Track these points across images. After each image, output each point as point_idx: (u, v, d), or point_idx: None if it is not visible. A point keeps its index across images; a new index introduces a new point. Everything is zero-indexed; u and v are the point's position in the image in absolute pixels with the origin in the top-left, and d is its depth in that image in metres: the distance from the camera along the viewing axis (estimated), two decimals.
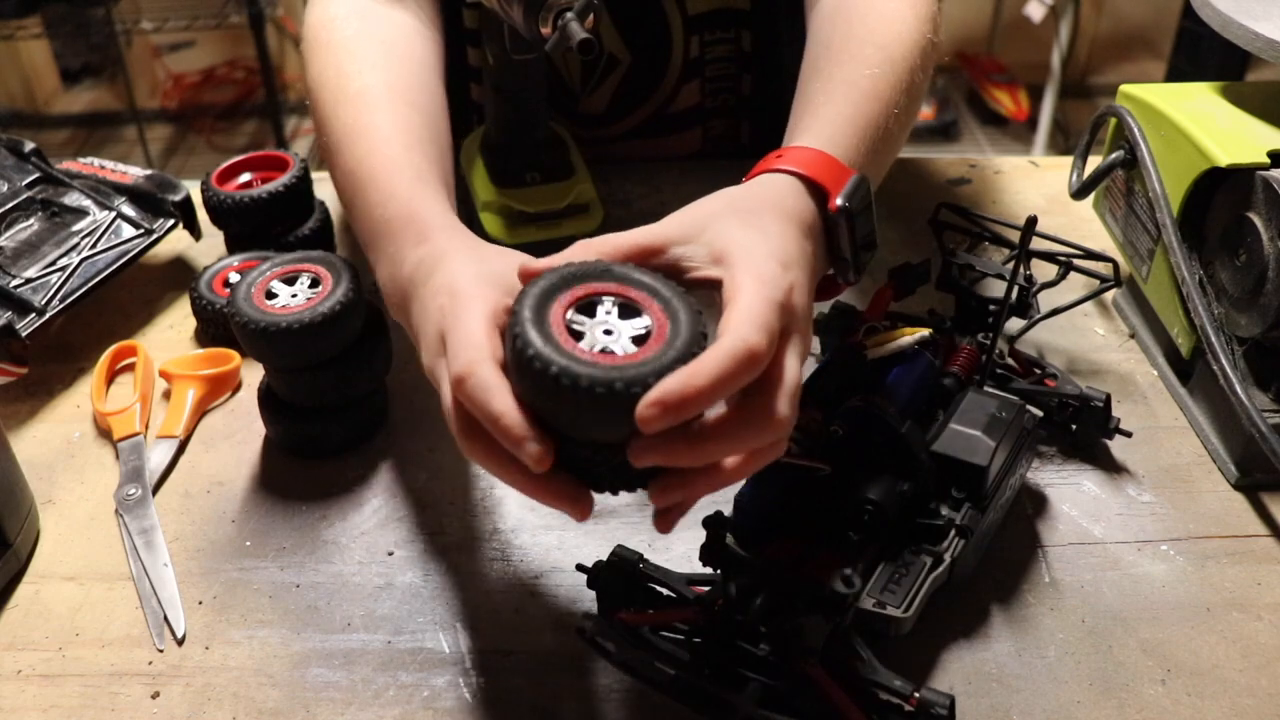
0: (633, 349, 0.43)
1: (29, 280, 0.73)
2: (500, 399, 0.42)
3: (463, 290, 0.47)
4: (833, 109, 0.59)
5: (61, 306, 0.72)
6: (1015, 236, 0.63)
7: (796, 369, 0.45)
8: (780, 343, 0.44)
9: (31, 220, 0.77)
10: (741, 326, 0.42)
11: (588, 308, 0.44)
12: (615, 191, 0.92)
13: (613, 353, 0.43)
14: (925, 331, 0.60)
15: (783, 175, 0.53)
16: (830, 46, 0.65)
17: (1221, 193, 0.65)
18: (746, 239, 0.47)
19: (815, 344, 0.74)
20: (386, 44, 0.68)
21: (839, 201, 0.52)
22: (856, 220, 0.52)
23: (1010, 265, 0.63)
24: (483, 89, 0.93)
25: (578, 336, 0.43)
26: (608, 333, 0.43)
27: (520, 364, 0.42)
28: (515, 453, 0.42)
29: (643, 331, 0.44)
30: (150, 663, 0.55)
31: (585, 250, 0.48)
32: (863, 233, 0.53)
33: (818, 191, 0.53)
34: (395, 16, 0.70)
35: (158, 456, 0.66)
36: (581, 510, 0.44)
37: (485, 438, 0.44)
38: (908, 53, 0.64)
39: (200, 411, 0.70)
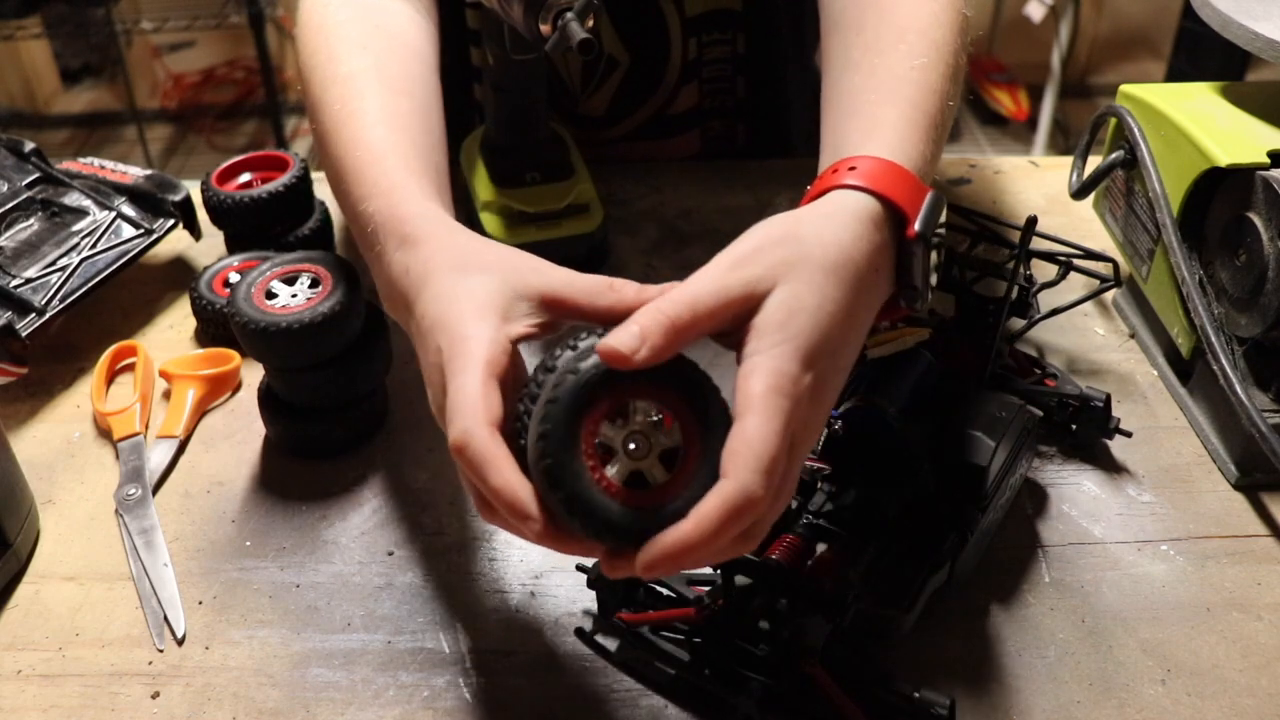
0: (660, 474, 0.41)
1: (29, 280, 0.73)
2: (497, 474, 0.41)
3: (458, 333, 0.44)
4: (893, 110, 0.54)
5: (61, 306, 0.72)
6: (1015, 236, 0.63)
7: (797, 464, 0.43)
8: (787, 471, 0.42)
9: (31, 220, 0.77)
10: (743, 471, 0.40)
11: (620, 412, 0.42)
12: (615, 191, 0.92)
13: (640, 484, 0.41)
14: (925, 331, 0.60)
15: (859, 196, 0.48)
16: (863, 33, 0.59)
17: (1221, 193, 0.65)
18: (786, 319, 0.43)
19: None
20: (379, 29, 0.66)
21: (918, 228, 0.47)
22: (929, 243, 0.48)
23: (1010, 265, 0.63)
24: (483, 89, 0.93)
25: (606, 454, 0.41)
26: (635, 446, 0.41)
27: (546, 483, 0.40)
28: (515, 524, 0.42)
29: (673, 445, 0.42)
30: (150, 663, 0.55)
31: (653, 320, 0.42)
32: (932, 250, 0.49)
33: (894, 213, 0.48)
34: (390, 4, 0.69)
35: (158, 456, 0.66)
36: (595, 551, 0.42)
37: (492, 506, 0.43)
38: (949, 35, 0.58)
39: (200, 411, 0.70)
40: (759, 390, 0.41)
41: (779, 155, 0.99)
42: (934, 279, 0.50)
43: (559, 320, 0.47)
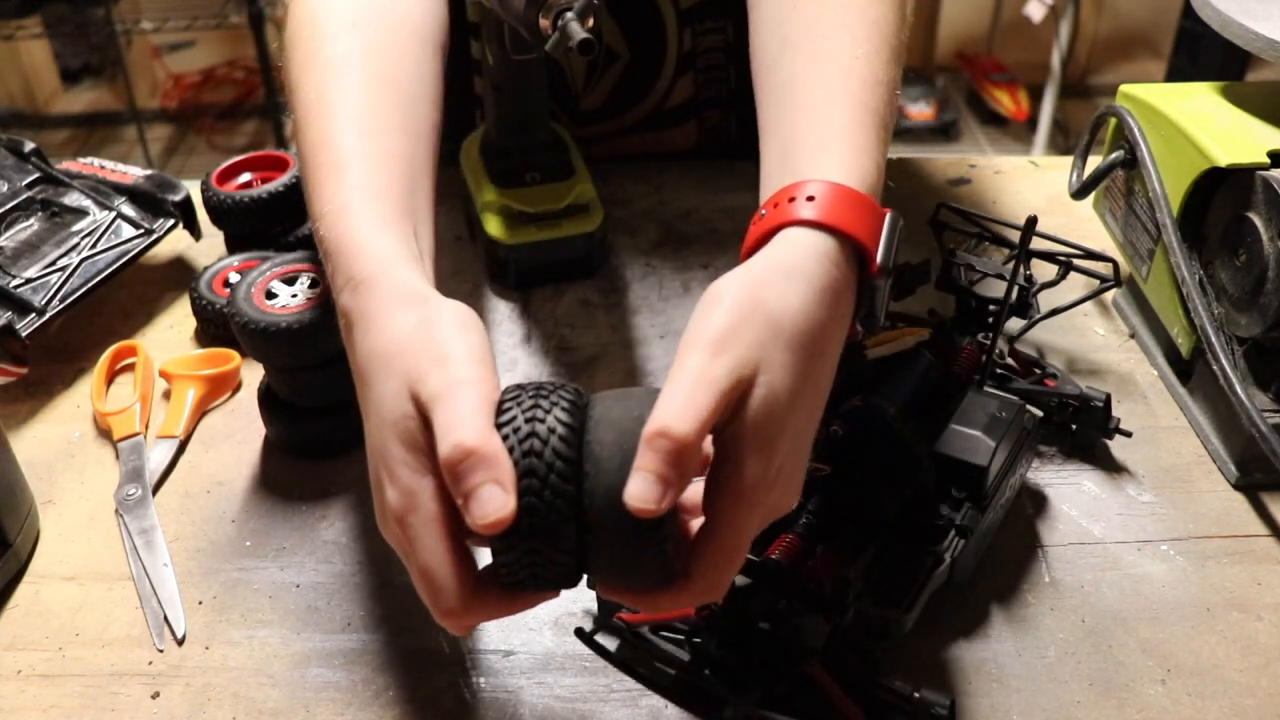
0: None
1: (29, 280, 0.73)
2: (436, 566, 0.40)
3: (416, 501, 0.41)
4: (843, 112, 0.50)
5: (61, 306, 0.72)
6: (1015, 236, 0.63)
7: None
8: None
9: (31, 220, 0.77)
10: (708, 577, 0.41)
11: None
12: (615, 191, 0.92)
13: None
14: (925, 331, 0.60)
15: (819, 237, 0.45)
16: (799, 7, 0.55)
17: (1221, 193, 0.65)
18: (765, 419, 0.41)
19: None
20: (377, 5, 0.59)
21: (880, 262, 0.45)
22: (892, 274, 0.47)
23: (1010, 265, 0.63)
24: (485, 82, 0.93)
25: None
26: None
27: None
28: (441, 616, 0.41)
29: None
30: (150, 663, 0.55)
31: (668, 461, 0.39)
32: (900, 282, 0.47)
33: (856, 249, 0.46)
34: None
35: (158, 456, 0.66)
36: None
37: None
38: (888, 12, 0.55)
39: (200, 411, 0.70)
40: (730, 498, 0.41)
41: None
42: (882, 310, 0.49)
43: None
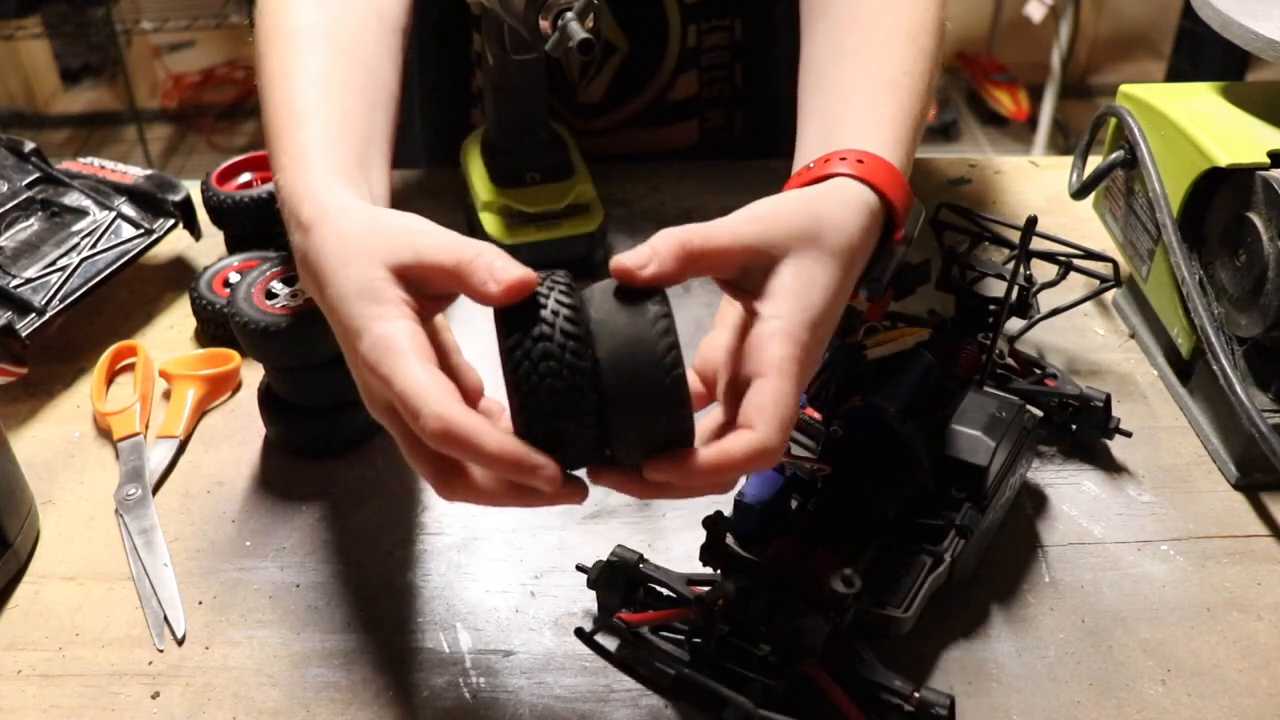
0: None
1: (29, 280, 0.73)
2: (491, 439, 0.41)
3: (374, 334, 0.44)
4: (888, 110, 0.56)
5: (61, 306, 0.72)
6: (1015, 236, 0.63)
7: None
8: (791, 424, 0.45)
9: (31, 220, 0.77)
10: (768, 427, 0.43)
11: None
12: (615, 191, 0.92)
13: None
14: (925, 331, 0.60)
15: (865, 190, 0.50)
16: (856, 24, 0.61)
17: (1221, 193, 0.65)
18: (802, 289, 0.46)
19: None
20: None
21: (906, 232, 0.51)
22: (909, 243, 0.53)
23: (1010, 265, 0.63)
24: (483, 77, 0.93)
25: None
26: None
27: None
28: (525, 480, 0.42)
29: None
30: (150, 663, 0.55)
31: (676, 258, 0.44)
32: (900, 282, 0.56)
33: (889, 213, 0.51)
34: None
35: (158, 456, 0.66)
36: (584, 495, 0.44)
37: (466, 480, 0.44)
38: (933, 43, 0.62)
39: (200, 411, 0.70)
40: (783, 354, 0.44)
41: (774, 146, 0.99)
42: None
43: (449, 291, 0.47)
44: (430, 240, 0.46)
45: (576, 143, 0.85)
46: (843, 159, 0.51)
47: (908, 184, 0.52)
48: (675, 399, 0.41)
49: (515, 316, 0.42)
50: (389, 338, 0.44)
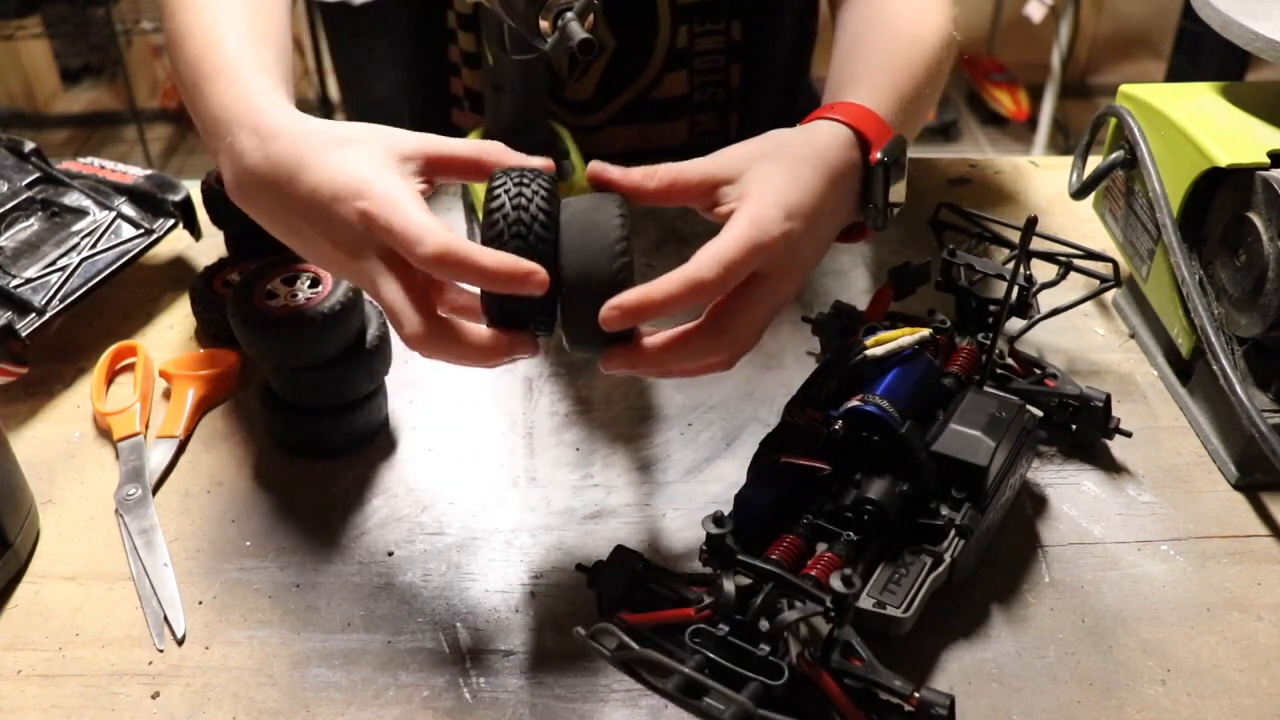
0: None
1: (29, 280, 0.72)
2: (488, 256, 0.47)
3: (379, 189, 0.50)
4: (876, 76, 0.65)
5: (61, 306, 0.72)
6: (1015, 236, 0.63)
7: (764, 309, 0.52)
8: (750, 281, 0.51)
9: (31, 220, 0.77)
10: (703, 259, 0.49)
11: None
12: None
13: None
14: (925, 331, 0.60)
15: (836, 124, 0.58)
16: (869, 32, 0.71)
17: (1221, 193, 0.65)
18: (769, 183, 0.53)
19: (815, 344, 0.74)
20: None
21: (879, 155, 0.58)
22: (892, 173, 0.58)
23: (1010, 265, 0.63)
24: (470, 79, 0.93)
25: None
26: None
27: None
28: (519, 288, 0.47)
29: None
30: (150, 663, 0.55)
31: (647, 177, 0.54)
32: (895, 186, 0.59)
33: (863, 144, 0.58)
34: None
35: (158, 456, 0.66)
36: (535, 348, 0.51)
37: (447, 331, 0.49)
38: (938, 45, 0.70)
39: (200, 411, 0.70)
40: (738, 220, 0.51)
41: None
42: (895, 211, 0.60)
43: (442, 178, 0.54)
44: (436, 137, 0.53)
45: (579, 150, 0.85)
46: (831, 108, 0.60)
47: (886, 122, 0.59)
48: (620, 284, 0.49)
49: (500, 189, 0.50)
50: (395, 191, 0.49)
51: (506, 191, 0.50)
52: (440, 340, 0.49)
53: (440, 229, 0.48)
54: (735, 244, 0.50)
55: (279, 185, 0.52)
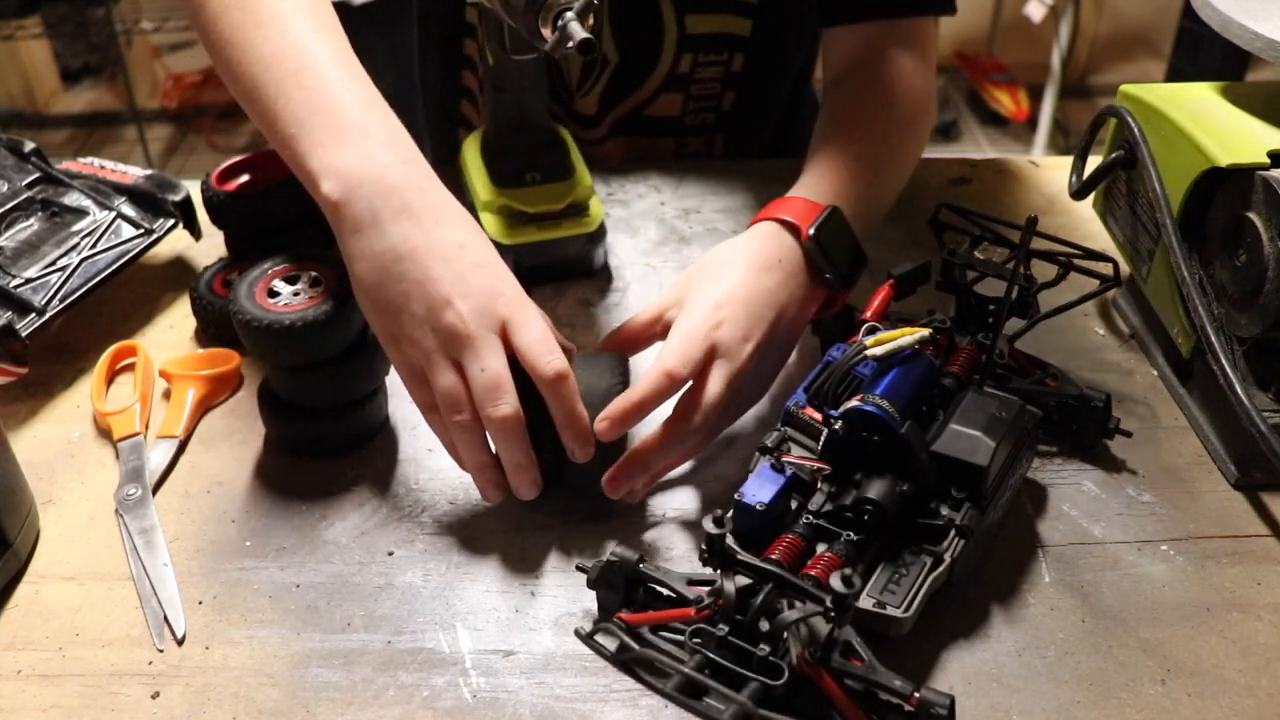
0: None
1: (29, 280, 0.73)
2: (580, 405, 0.58)
3: (517, 294, 0.59)
4: (824, 166, 0.72)
5: (61, 306, 0.72)
6: (1015, 236, 0.63)
7: (719, 386, 0.59)
8: (705, 367, 0.60)
9: (31, 220, 0.77)
10: (665, 357, 0.59)
11: None
12: (615, 191, 0.92)
13: None
14: (925, 331, 0.60)
15: (763, 222, 0.67)
16: (850, 117, 0.78)
17: (1221, 193, 0.65)
18: (699, 290, 0.62)
19: (815, 344, 0.74)
20: None
21: (809, 232, 0.65)
22: (826, 244, 0.66)
23: (1010, 265, 0.63)
24: (477, 75, 0.93)
25: None
26: None
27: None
28: (578, 449, 0.58)
29: None
30: (150, 663, 0.55)
31: (611, 337, 0.66)
32: (840, 253, 0.67)
33: (792, 228, 0.66)
34: None
35: (158, 456, 0.66)
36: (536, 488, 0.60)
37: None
38: (919, 131, 0.80)
39: (200, 411, 0.70)
40: (679, 323, 0.61)
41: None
42: (861, 270, 0.69)
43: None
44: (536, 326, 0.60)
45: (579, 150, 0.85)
46: (762, 210, 0.69)
47: (816, 203, 0.67)
48: (614, 449, 0.60)
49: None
50: (527, 301, 0.59)
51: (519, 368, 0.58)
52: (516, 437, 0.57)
53: (557, 347, 0.58)
54: (682, 340, 0.59)
55: (413, 190, 0.58)
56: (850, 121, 0.77)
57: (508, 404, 0.55)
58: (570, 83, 0.92)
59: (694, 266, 0.65)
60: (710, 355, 0.60)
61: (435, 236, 0.57)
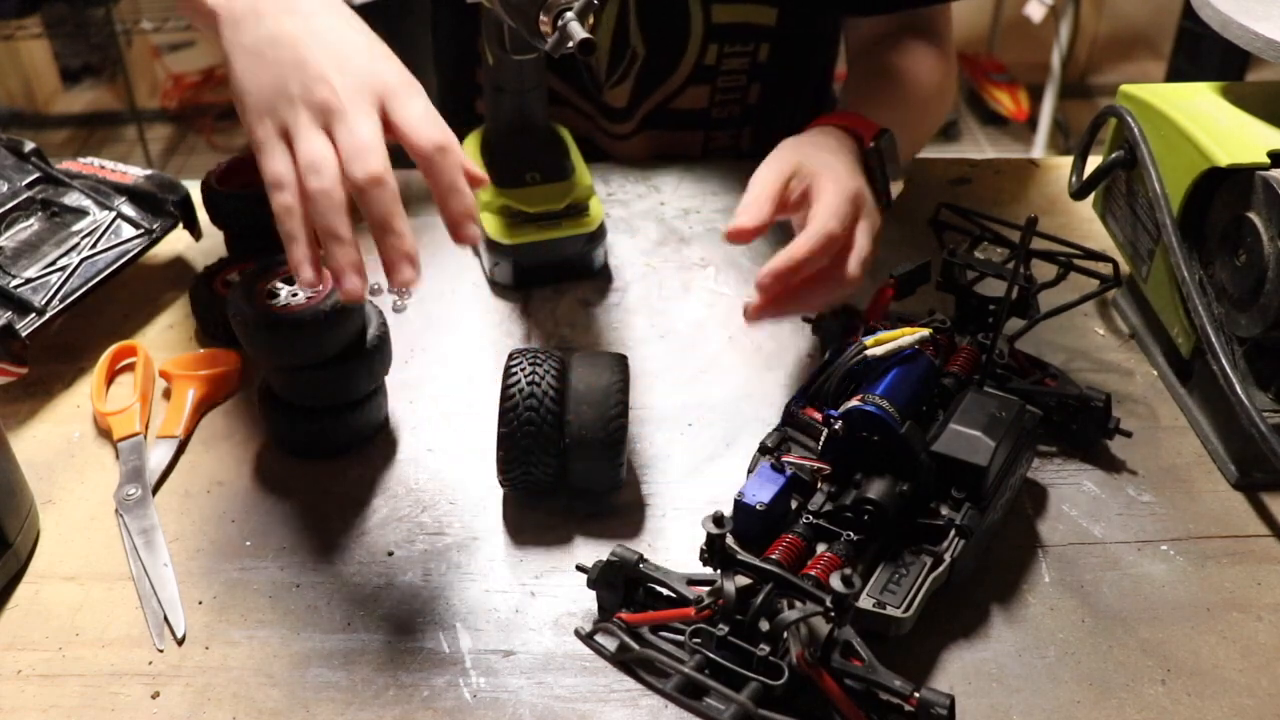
0: None
1: (29, 280, 0.72)
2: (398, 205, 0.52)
3: (401, 73, 0.55)
4: (868, 100, 0.81)
5: (61, 306, 0.72)
6: (1015, 236, 0.63)
7: (866, 240, 0.64)
8: (852, 225, 0.64)
9: (31, 220, 0.77)
10: (823, 217, 0.62)
11: None
12: (615, 191, 0.92)
13: None
14: (925, 331, 0.60)
15: (832, 126, 0.73)
16: (871, 77, 0.86)
17: (1221, 193, 0.65)
18: (825, 160, 0.67)
19: (816, 344, 0.74)
20: None
21: (871, 143, 0.71)
22: (885, 157, 0.71)
23: (1010, 265, 0.63)
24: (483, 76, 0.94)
25: None
26: None
27: None
28: (459, 227, 0.53)
29: None
30: (150, 663, 0.55)
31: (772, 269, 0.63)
32: (889, 170, 0.72)
33: (856, 136, 0.72)
34: None
35: (158, 456, 0.66)
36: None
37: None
38: (930, 89, 0.87)
39: (200, 411, 0.70)
40: (826, 185, 0.64)
41: None
42: (892, 200, 0.73)
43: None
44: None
45: (601, 145, 0.85)
46: (814, 121, 0.75)
47: (870, 121, 0.74)
48: (615, 443, 0.59)
49: (516, 368, 0.59)
50: (408, 76, 0.55)
51: (521, 369, 0.59)
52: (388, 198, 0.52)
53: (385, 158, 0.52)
54: (838, 199, 0.63)
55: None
56: (878, 83, 0.85)
57: (377, 162, 0.51)
58: (598, 76, 0.92)
59: (794, 142, 0.69)
60: (858, 215, 0.64)
61: (315, 23, 0.55)
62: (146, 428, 0.69)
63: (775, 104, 0.98)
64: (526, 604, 0.57)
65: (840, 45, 1.04)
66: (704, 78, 0.94)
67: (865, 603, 0.52)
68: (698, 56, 0.92)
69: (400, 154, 0.55)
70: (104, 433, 0.69)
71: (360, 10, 1.02)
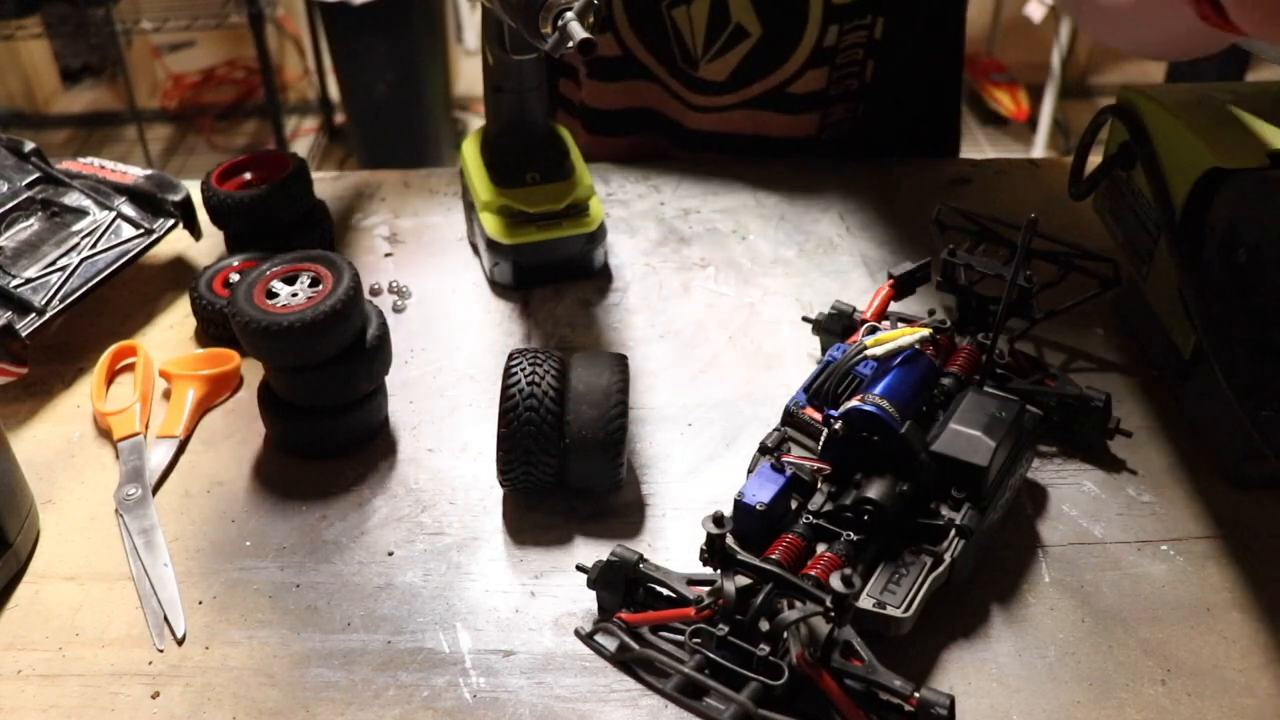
0: None
1: (29, 280, 0.73)
2: None
3: None
4: None
5: (61, 306, 0.72)
6: (1015, 236, 0.63)
7: None
8: None
9: (31, 220, 0.77)
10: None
11: None
12: (615, 191, 0.92)
13: None
14: (925, 331, 0.60)
15: None
16: None
17: (1221, 193, 0.65)
18: None
19: (816, 344, 0.74)
20: None
21: None
22: None
23: (1010, 265, 0.63)
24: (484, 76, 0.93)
25: None
26: None
27: None
28: None
29: None
30: (150, 663, 0.55)
31: None
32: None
33: None
34: None
35: (158, 456, 0.66)
36: None
37: None
38: None
39: (200, 411, 0.70)
40: None
41: (894, 141, 0.99)
42: None
43: None
44: None
45: (674, 117, 0.83)
46: None
47: None
48: (615, 443, 0.59)
49: (516, 368, 0.59)
50: None
51: (521, 370, 0.59)
52: None
53: None
54: None
55: None
56: None
57: None
58: (694, 48, 0.91)
59: None
60: None
61: None
62: (146, 428, 0.69)
63: (891, 82, 0.97)
64: (526, 604, 0.57)
65: (963, 39, 1.02)
66: (822, 59, 0.93)
67: (865, 603, 0.52)
68: (818, 38, 0.91)
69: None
70: (104, 433, 0.69)
71: (360, 10, 1.02)
